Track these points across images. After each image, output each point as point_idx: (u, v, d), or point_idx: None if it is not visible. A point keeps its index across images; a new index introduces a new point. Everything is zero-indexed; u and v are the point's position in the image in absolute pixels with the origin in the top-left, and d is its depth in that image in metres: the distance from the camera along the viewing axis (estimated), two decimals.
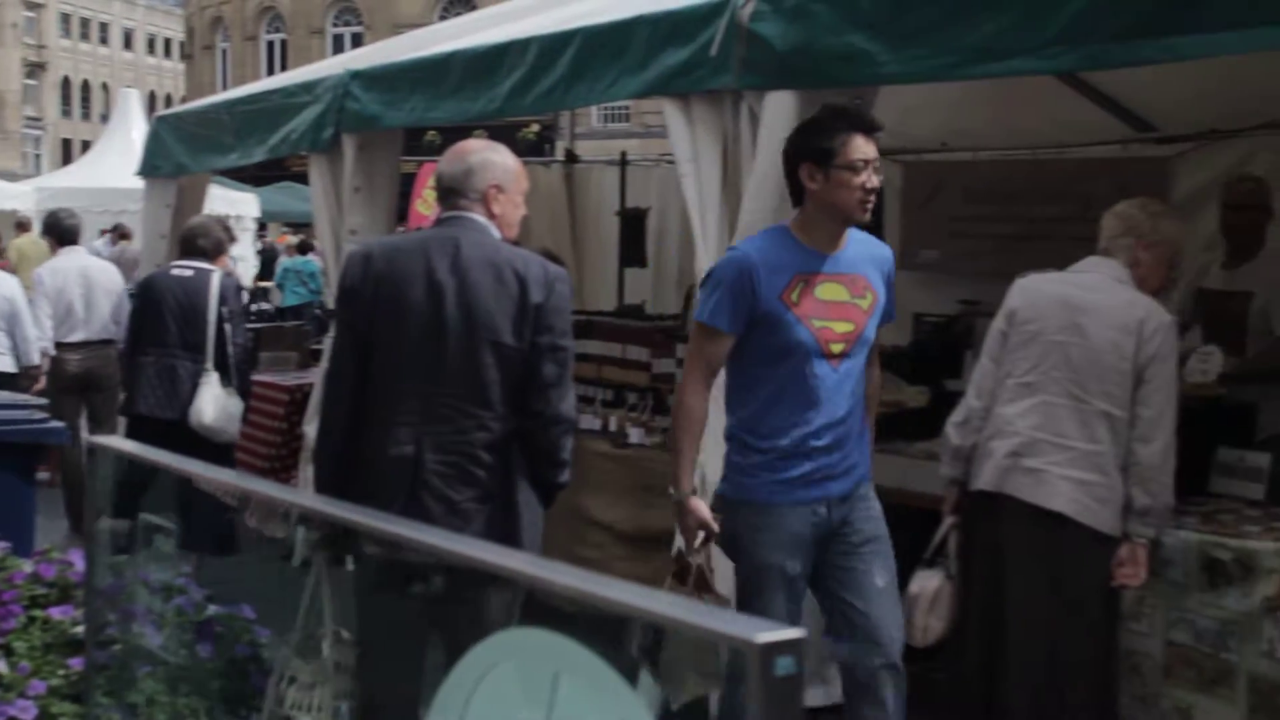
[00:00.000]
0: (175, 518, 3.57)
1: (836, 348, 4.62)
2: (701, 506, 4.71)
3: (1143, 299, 5.02)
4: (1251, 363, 6.33)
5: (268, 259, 26.96)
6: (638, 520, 7.16)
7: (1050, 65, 4.86)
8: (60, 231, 10.29)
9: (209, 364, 8.01)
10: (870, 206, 4.58)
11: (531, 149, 26.87)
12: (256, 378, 9.74)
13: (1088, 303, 5.02)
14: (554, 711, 1.72)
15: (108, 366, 9.74)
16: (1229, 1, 4.19)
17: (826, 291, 4.63)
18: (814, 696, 5.68)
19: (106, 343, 9.83)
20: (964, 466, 5.20)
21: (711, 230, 5.79)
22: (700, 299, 4.75)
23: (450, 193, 4.66)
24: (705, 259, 5.79)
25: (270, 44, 48.03)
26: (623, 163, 11.73)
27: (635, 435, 7.50)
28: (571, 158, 12.34)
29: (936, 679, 5.27)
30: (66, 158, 71.93)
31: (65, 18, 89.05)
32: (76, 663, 3.74)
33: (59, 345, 9.74)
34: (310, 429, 8.27)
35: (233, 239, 10.93)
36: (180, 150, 10.17)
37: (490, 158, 4.69)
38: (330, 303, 8.14)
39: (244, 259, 24.85)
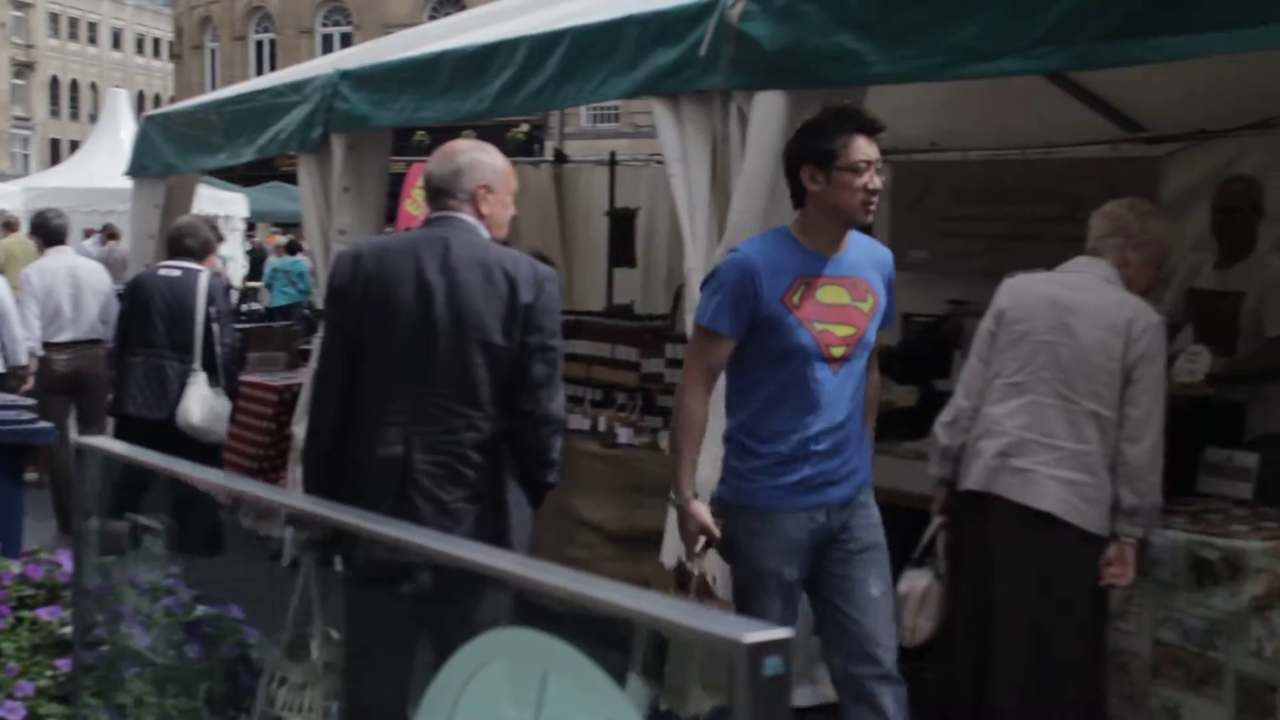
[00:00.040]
0: (163, 518, 3.57)
1: (837, 351, 4.57)
2: (703, 511, 4.66)
3: (1131, 299, 5.03)
4: (1241, 363, 6.34)
5: (256, 259, 26.94)
6: (627, 520, 7.16)
7: (1039, 65, 4.87)
8: (48, 231, 10.27)
9: (196, 364, 8.00)
10: (873, 208, 4.53)
11: (521, 149, 26.87)
12: (245, 378, 9.73)
13: (1076, 303, 5.03)
14: (542, 712, 1.72)
15: (96, 366, 9.72)
16: (1217, 2, 4.19)
17: (828, 294, 4.58)
18: (802, 696, 5.69)
19: (94, 342, 9.80)
20: (952, 466, 5.21)
21: (700, 230, 5.79)
22: (701, 301, 4.70)
23: (439, 193, 4.66)
24: (694, 259, 5.80)
25: (259, 44, 47.98)
26: (612, 163, 11.73)
27: (624, 435, 7.51)
28: (561, 158, 12.35)
29: (925, 679, 5.27)
30: (55, 158, 71.83)
31: (54, 17, 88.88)
32: (64, 664, 3.73)
33: (47, 345, 9.72)
34: (299, 429, 8.27)
35: (220, 239, 10.93)
36: (169, 150, 10.17)
37: (479, 158, 4.68)
38: (319, 303, 8.13)
39: (233, 259, 24.82)
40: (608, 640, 2.00)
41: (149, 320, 8.04)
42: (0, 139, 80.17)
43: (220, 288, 8.45)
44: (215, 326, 8.06)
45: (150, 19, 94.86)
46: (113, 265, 13.34)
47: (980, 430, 5.14)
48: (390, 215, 11.20)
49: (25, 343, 9.56)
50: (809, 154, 4.54)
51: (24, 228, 17.18)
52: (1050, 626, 4.97)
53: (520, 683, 1.75)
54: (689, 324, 5.86)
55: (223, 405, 8.09)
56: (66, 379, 9.76)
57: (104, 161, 21.11)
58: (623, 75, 6.08)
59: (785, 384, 4.57)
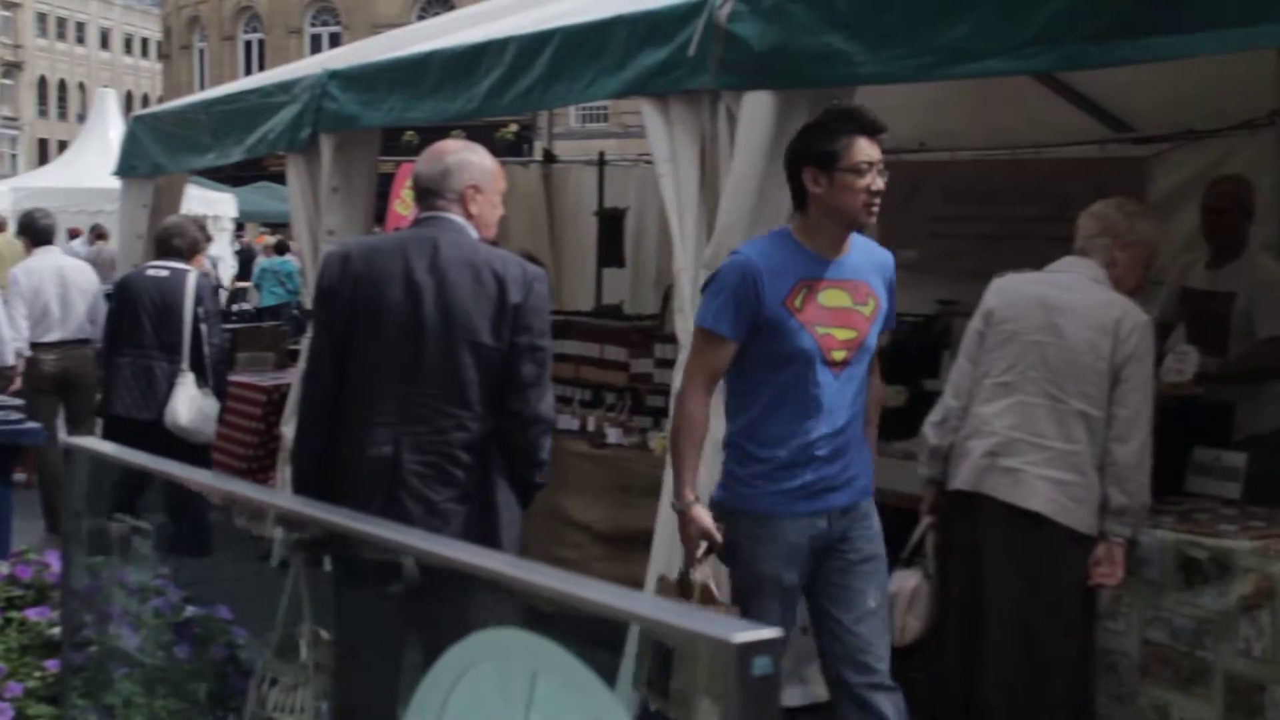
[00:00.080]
0: (151, 519, 3.57)
1: (838, 355, 4.53)
2: (704, 516, 4.60)
3: (1119, 299, 5.03)
4: (1233, 364, 6.34)
5: (245, 259, 26.91)
6: (616, 520, 7.16)
7: (1027, 66, 4.87)
8: (35, 231, 10.25)
9: (185, 364, 8.00)
10: (875, 210, 4.48)
11: (510, 149, 26.88)
12: (234, 378, 9.73)
13: (1064, 303, 5.04)
14: (531, 711, 1.72)
15: (84, 366, 9.72)
16: (1206, 2, 4.20)
17: (829, 298, 4.54)
18: (791, 696, 5.69)
19: (83, 342, 9.79)
20: (941, 466, 5.21)
21: (689, 230, 5.79)
22: (702, 304, 4.65)
23: (427, 193, 4.66)
24: (683, 259, 5.80)
25: (248, 44, 47.94)
26: (601, 163, 11.73)
27: (613, 435, 7.51)
28: (549, 158, 12.35)
29: (914, 678, 5.27)
30: (43, 158, 71.74)
31: (42, 17, 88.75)
32: (53, 664, 3.73)
33: (35, 345, 9.70)
34: (288, 429, 8.27)
35: (208, 239, 10.92)
36: (157, 150, 10.16)
37: (467, 158, 4.68)
38: (308, 303, 8.13)
39: (222, 259, 24.80)
40: (597, 640, 2.00)
41: (137, 321, 8.04)
42: None
43: (208, 288, 8.45)
44: (203, 327, 8.07)
45: (138, 19, 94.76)
46: (101, 265, 13.32)
47: (969, 430, 5.14)
48: (379, 215, 11.19)
49: (13, 343, 9.54)
50: (810, 156, 4.50)
51: (11, 228, 17.16)
52: (1039, 626, 4.98)
53: (509, 683, 1.75)
54: (678, 324, 5.87)
55: (211, 405, 8.09)
56: (55, 379, 9.74)
57: (92, 161, 21.08)
58: (611, 75, 6.08)
59: (786, 388, 4.53)
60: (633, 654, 5.49)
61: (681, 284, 5.82)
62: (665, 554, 5.84)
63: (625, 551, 6.82)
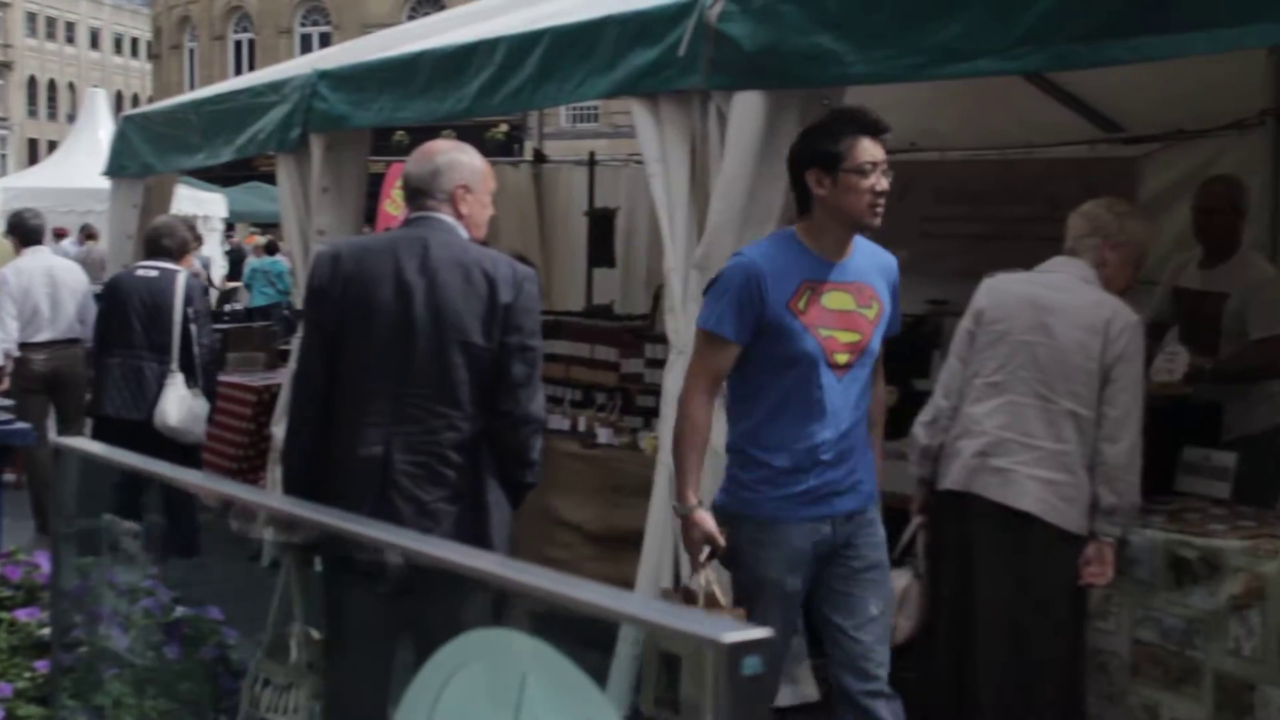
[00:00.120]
0: (140, 519, 3.56)
1: (842, 358, 4.50)
2: (708, 520, 4.54)
3: (1109, 299, 5.04)
4: (1224, 364, 6.35)
5: (235, 259, 26.90)
6: (606, 520, 7.16)
7: (1017, 66, 4.86)
8: (25, 231, 10.23)
9: (174, 365, 7.99)
10: (880, 210, 4.46)
11: (500, 149, 26.86)
12: (224, 378, 9.72)
13: (1054, 302, 5.04)
14: (521, 712, 1.72)
15: (74, 366, 9.70)
16: (1196, 2, 4.20)
17: (833, 300, 4.51)
18: (782, 696, 5.69)
19: (73, 342, 9.78)
20: (932, 466, 5.22)
21: (679, 230, 5.79)
22: (704, 306, 4.62)
23: (417, 193, 4.65)
24: (673, 259, 5.80)
25: (238, 44, 47.91)
26: (591, 163, 11.72)
27: (604, 435, 7.50)
28: (540, 158, 12.33)
29: (906, 678, 5.28)
30: (33, 158, 71.61)
31: (31, 17, 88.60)
32: (43, 665, 3.72)
33: (25, 346, 9.68)
34: (278, 430, 8.26)
35: (198, 239, 10.90)
36: (147, 150, 10.15)
37: (457, 158, 4.68)
38: (298, 303, 8.13)
39: (213, 260, 24.79)
40: (587, 641, 2.00)
41: (127, 321, 8.02)
42: None
43: (198, 288, 8.44)
44: (193, 327, 8.05)
45: (128, 18, 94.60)
46: (91, 265, 13.32)
47: (959, 430, 5.15)
48: (369, 215, 11.19)
49: (1, 344, 9.53)
50: (814, 157, 4.47)
51: (0, 228, 17.15)
52: (1029, 626, 4.99)
53: (499, 683, 1.75)
54: (668, 324, 5.87)
55: (200, 406, 8.08)
56: (45, 379, 9.73)
57: (82, 161, 21.07)
58: (602, 75, 6.07)
59: (789, 391, 4.50)
60: (634, 668, 5.51)
61: (672, 284, 5.82)
62: (656, 554, 5.85)
63: (616, 552, 6.82)
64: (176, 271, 8.15)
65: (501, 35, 6.76)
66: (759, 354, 4.50)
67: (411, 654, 4.34)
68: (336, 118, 7.92)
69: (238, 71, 41.50)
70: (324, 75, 8.04)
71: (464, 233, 4.61)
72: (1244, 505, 5.37)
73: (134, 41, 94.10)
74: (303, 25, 46.10)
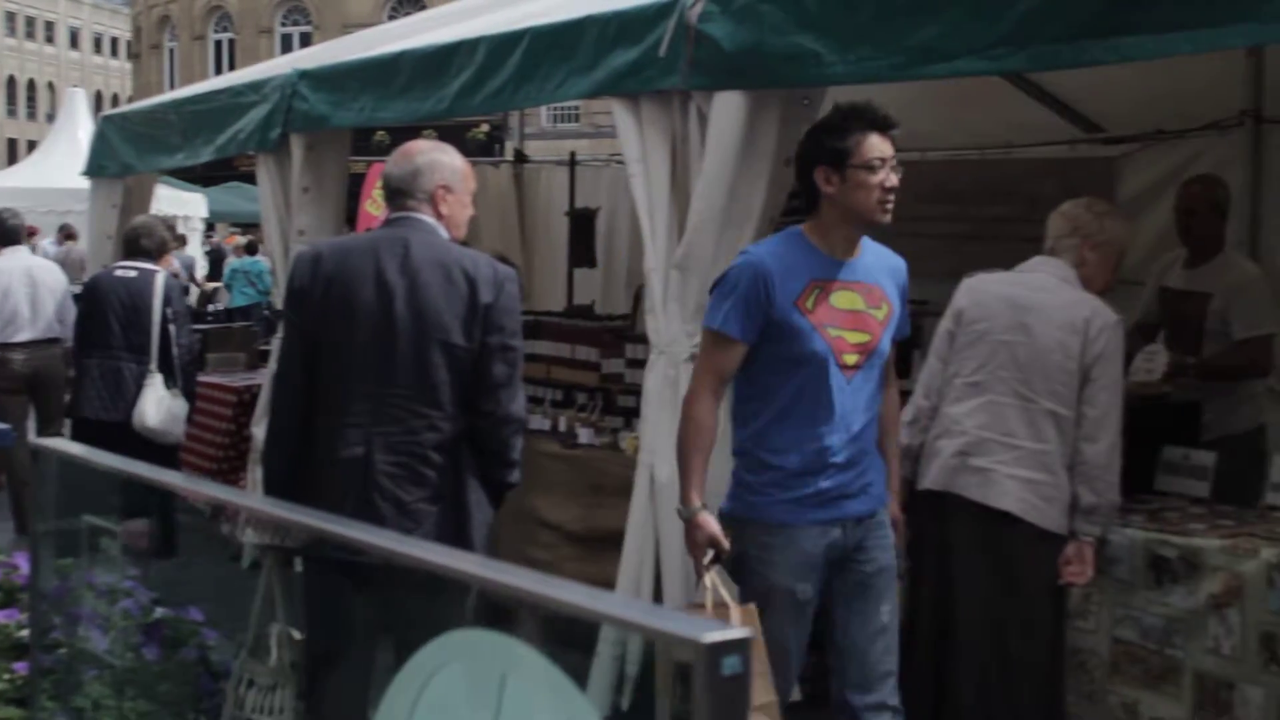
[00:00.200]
0: (116, 520, 3.55)
1: (850, 359, 4.44)
2: (711, 522, 4.45)
3: (1089, 298, 5.05)
4: (1209, 362, 6.36)
5: (215, 259, 26.84)
6: (587, 520, 7.16)
7: (997, 66, 4.86)
8: (3, 232, 10.18)
9: (153, 365, 7.97)
10: (890, 207, 4.41)
11: (481, 149, 26.84)
12: (204, 379, 9.70)
13: (1034, 302, 5.05)
14: (501, 713, 1.71)
15: (54, 365, 9.68)
16: (1176, 3, 4.21)
17: (842, 299, 4.45)
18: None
19: (52, 342, 9.75)
20: (912, 466, 5.22)
21: (660, 230, 5.79)
22: (710, 305, 4.55)
23: (398, 194, 4.65)
24: (654, 259, 5.80)
25: (218, 43, 47.79)
26: (572, 163, 11.72)
27: (584, 435, 7.50)
28: (521, 158, 12.32)
29: None
30: (12, 157, 71.39)
31: (10, 16, 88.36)
32: (21, 667, 3.71)
33: (4, 346, 9.65)
34: (258, 430, 8.25)
35: (182, 241, 10.87)
36: (127, 150, 10.13)
37: (437, 158, 4.68)
38: (278, 303, 8.11)
39: (195, 259, 24.73)
40: (568, 641, 2.00)
41: (105, 322, 8.01)
42: None
43: (176, 288, 8.43)
44: (171, 327, 8.04)
45: (108, 18, 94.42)
46: (70, 266, 13.27)
47: (939, 430, 5.15)
48: (350, 216, 11.17)
49: None
50: (822, 155, 4.42)
51: None
52: (1009, 625, 4.99)
53: (478, 684, 1.75)
54: (649, 324, 5.87)
55: (179, 406, 8.07)
56: (25, 379, 9.70)
57: (61, 161, 21.01)
58: (582, 75, 6.08)
59: (797, 392, 4.43)
60: (615, 669, 5.50)
61: (653, 284, 5.82)
62: (636, 554, 5.85)
63: (597, 552, 6.81)
64: (155, 272, 8.14)
65: (482, 35, 6.75)
66: (766, 354, 4.44)
67: (392, 655, 4.34)
68: (317, 118, 7.91)
69: (218, 71, 41.42)
70: (304, 75, 8.03)
71: (444, 233, 4.62)
72: (1223, 504, 5.38)
73: (114, 41, 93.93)
74: (283, 25, 46.01)
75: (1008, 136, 9.00)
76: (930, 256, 9.05)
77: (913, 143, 9.42)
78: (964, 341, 5.16)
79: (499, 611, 2.05)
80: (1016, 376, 5.00)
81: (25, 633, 3.75)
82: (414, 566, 1.92)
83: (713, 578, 4.43)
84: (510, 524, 6.37)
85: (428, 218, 4.61)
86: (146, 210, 10.26)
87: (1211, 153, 7.92)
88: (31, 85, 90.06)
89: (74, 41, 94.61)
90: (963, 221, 9.24)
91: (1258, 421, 6.53)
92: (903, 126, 4.51)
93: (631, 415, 7.12)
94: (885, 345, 4.56)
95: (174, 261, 10.29)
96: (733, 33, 5.35)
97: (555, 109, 34.53)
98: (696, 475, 4.48)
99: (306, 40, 40.58)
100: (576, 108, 33.05)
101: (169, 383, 8.01)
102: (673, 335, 5.73)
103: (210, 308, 20.02)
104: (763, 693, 4.27)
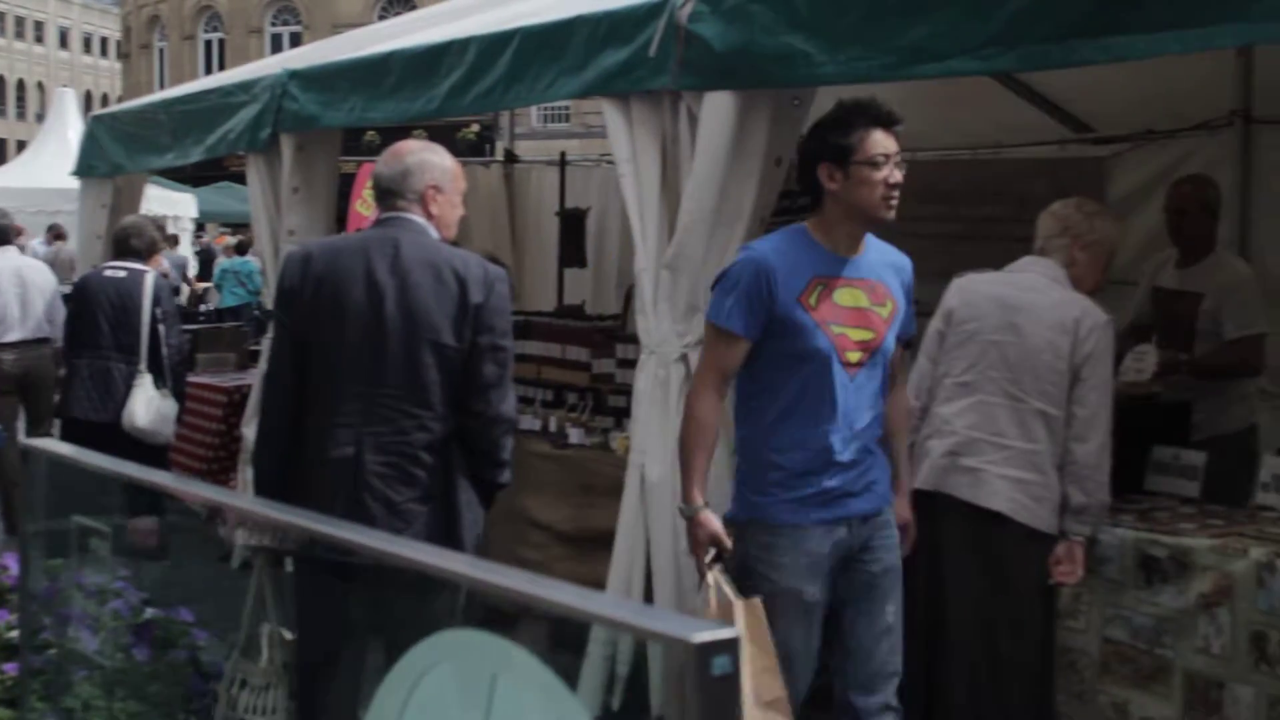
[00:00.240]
0: (107, 520, 3.55)
1: (854, 356, 4.40)
2: (714, 520, 4.42)
3: (1078, 298, 5.06)
4: (1201, 361, 6.36)
5: (205, 260, 26.79)
6: (578, 520, 7.15)
7: (988, 66, 4.86)
8: None
9: (142, 365, 7.95)
10: (894, 203, 4.40)
11: (471, 149, 26.84)
12: (194, 379, 9.68)
13: (1024, 302, 5.06)
14: (491, 713, 1.71)
15: (44, 365, 9.66)
16: (1166, 3, 4.21)
17: (846, 297, 4.42)
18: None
19: (42, 341, 9.73)
20: None
21: (650, 230, 5.79)
22: (713, 301, 4.52)
23: (388, 194, 4.65)
24: (644, 259, 5.80)
25: (208, 43, 47.75)
26: (562, 163, 11.72)
27: (575, 435, 7.50)
28: (511, 158, 12.33)
29: None
30: (1, 157, 71.27)
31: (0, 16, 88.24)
32: (11, 668, 3.71)
33: None
34: (249, 430, 8.24)
35: (174, 241, 10.85)
36: (116, 150, 10.11)
37: (427, 158, 4.67)
38: (269, 304, 8.10)
39: (187, 259, 24.70)
40: (558, 641, 2.00)
41: (95, 322, 7.99)
42: None
43: (166, 288, 8.41)
44: (161, 327, 8.02)
45: (98, 18, 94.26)
46: (60, 266, 13.25)
47: (929, 430, 5.16)
48: (340, 216, 11.16)
49: None
50: (825, 151, 4.40)
51: None
52: (999, 624, 5.00)
53: (469, 684, 1.75)
54: (639, 324, 5.87)
55: (169, 407, 8.05)
56: (15, 379, 9.68)
57: (51, 161, 20.95)
58: (572, 75, 6.07)
59: (801, 390, 4.40)
60: (605, 669, 5.50)
61: (643, 284, 5.82)
62: (627, 554, 5.85)
63: (588, 552, 6.81)
64: (144, 272, 8.12)
65: (472, 35, 6.75)
66: (769, 351, 4.41)
67: (382, 655, 4.33)
68: (307, 118, 7.90)
69: (208, 71, 41.37)
70: (294, 75, 8.02)
71: (435, 233, 4.61)
72: (1213, 504, 5.39)
73: (103, 41, 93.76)
74: (273, 25, 45.98)
75: (998, 136, 9.01)
76: (921, 257, 8.98)
77: (904, 143, 9.47)
78: (954, 341, 5.16)
79: (489, 611, 2.05)
80: (1006, 376, 5.00)
81: (15, 633, 3.75)
82: (404, 567, 1.91)
83: (715, 576, 4.39)
84: (501, 524, 6.35)
85: (418, 218, 4.60)
86: (136, 210, 10.22)
87: (1201, 153, 7.93)
88: (21, 85, 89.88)
89: (63, 41, 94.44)
90: (953, 221, 9.24)
91: (1248, 421, 6.54)
92: None
93: (622, 415, 7.12)
94: (889, 342, 4.53)
95: (164, 261, 10.25)
96: (723, 33, 5.34)
97: (546, 109, 34.54)
98: (698, 473, 4.45)
99: (296, 40, 40.53)
100: (567, 108, 33.09)
101: (158, 383, 7.99)
102: (663, 335, 5.73)
103: (201, 308, 20.00)
104: (773, 688, 4.24)
